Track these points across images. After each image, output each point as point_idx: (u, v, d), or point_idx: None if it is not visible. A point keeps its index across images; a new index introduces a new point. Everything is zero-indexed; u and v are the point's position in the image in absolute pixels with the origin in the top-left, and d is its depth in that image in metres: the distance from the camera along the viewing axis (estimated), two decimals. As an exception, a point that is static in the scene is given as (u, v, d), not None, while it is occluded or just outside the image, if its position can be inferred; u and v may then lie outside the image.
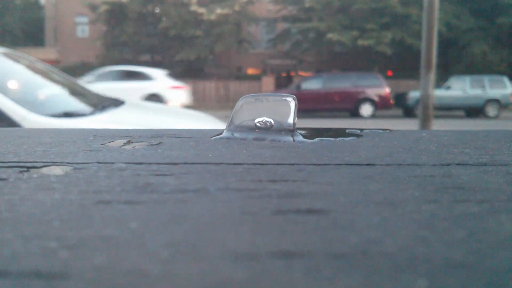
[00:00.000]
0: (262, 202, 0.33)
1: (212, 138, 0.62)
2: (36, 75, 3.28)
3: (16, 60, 3.22)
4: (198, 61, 22.63)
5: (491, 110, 15.38)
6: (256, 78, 22.77)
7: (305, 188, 0.37)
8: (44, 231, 0.27)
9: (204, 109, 15.72)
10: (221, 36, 21.79)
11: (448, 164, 0.46)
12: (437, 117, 9.41)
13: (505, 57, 21.03)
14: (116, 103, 3.23)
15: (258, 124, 0.60)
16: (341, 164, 0.46)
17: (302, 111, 15.43)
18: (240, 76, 23.97)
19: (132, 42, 22.28)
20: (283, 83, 22.24)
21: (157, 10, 22.66)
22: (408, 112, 15.41)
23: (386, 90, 15.34)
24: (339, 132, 0.68)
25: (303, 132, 0.66)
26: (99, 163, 0.46)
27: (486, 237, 0.27)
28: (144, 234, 0.27)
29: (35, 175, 0.41)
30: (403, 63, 22.25)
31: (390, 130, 0.72)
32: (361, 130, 0.70)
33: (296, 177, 0.40)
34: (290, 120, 0.59)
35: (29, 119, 2.41)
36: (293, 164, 0.46)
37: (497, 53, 21.01)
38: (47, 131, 0.70)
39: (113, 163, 0.46)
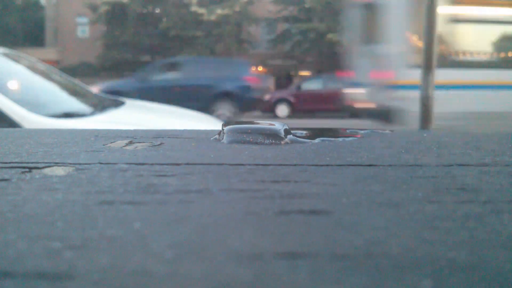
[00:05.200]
0: (265, 202, 0.33)
1: (212, 138, 0.62)
2: (36, 75, 3.28)
3: (16, 60, 3.21)
4: (198, 62, 22.59)
5: (491, 111, 15.36)
6: (256, 78, 22.74)
7: (307, 188, 0.37)
8: (48, 232, 0.27)
9: (204, 109, 15.66)
10: (221, 37, 21.79)
11: (450, 165, 0.46)
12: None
13: (505, 57, 21.01)
14: (116, 103, 3.23)
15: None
16: (343, 165, 0.46)
17: (302, 112, 15.45)
18: (240, 76, 23.91)
19: (132, 42, 22.27)
20: (283, 84, 22.24)
21: (158, 11, 22.65)
22: (408, 113, 15.38)
23: (386, 91, 15.30)
24: (340, 133, 0.68)
25: (304, 132, 0.66)
26: (101, 163, 0.46)
27: (489, 237, 0.27)
28: (148, 235, 0.27)
29: (37, 176, 0.41)
30: (403, 64, 22.21)
31: (391, 131, 0.72)
32: (362, 130, 0.70)
33: (298, 178, 0.40)
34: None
35: (29, 119, 2.41)
36: (295, 165, 0.46)
37: (497, 54, 21.00)
38: (48, 132, 0.70)
39: (115, 163, 0.46)
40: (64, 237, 0.26)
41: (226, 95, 10.15)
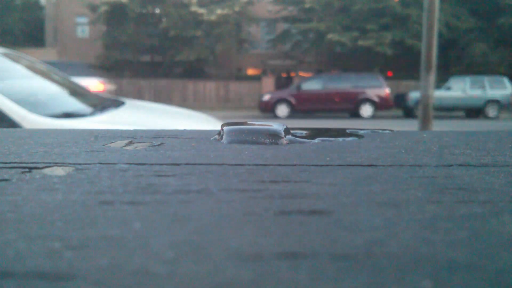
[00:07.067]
0: (265, 202, 0.33)
1: (211, 138, 0.62)
2: (36, 75, 3.28)
3: (16, 60, 3.22)
4: (198, 62, 22.64)
5: (491, 111, 15.39)
6: (256, 78, 22.80)
7: (307, 188, 0.37)
8: (48, 232, 0.27)
9: (204, 109, 15.75)
10: (221, 37, 21.80)
11: (450, 165, 0.46)
12: (437, 117, 9.42)
13: (505, 57, 21.05)
14: (116, 103, 3.23)
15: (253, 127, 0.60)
16: (343, 165, 0.46)
17: (302, 112, 15.47)
18: (240, 76, 24.00)
19: (132, 42, 22.28)
20: (283, 84, 22.27)
21: (157, 11, 22.67)
22: (408, 113, 15.43)
23: (386, 91, 15.35)
24: (340, 133, 0.68)
25: (304, 132, 0.66)
26: (101, 163, 0.46)
27: (489, 237, 0.27)
28: (148, 235, 0.27)
29: (37, 176, 0.41)
30: (403, 64, 22.26)
31: (391, 131, 0.72)
32: (362, 130, 0.71)
33: (298, 178, 0.40)
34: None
35: (29, 119, 2.41)
36: (295, 165, 0.46)
37: (497, 54, 21.04)
38: (48, 132, 0.70)
39: (115, 163, 0.46)
40: (64, 237, 0.26)
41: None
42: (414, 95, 14.77)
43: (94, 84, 11.58)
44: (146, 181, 0.39)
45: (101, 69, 20.54)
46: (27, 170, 0.43)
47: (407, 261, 0.24)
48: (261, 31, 25.84)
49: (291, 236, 0.27)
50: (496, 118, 15.24)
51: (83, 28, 25.77)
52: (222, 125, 0.62)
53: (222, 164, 0.46)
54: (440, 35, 14.60)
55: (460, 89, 15.52)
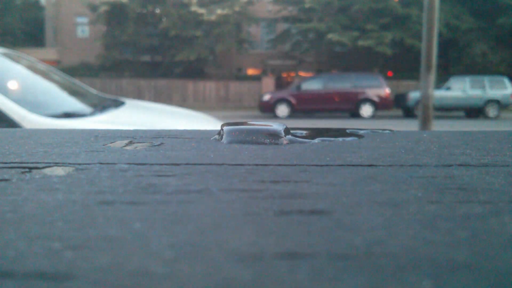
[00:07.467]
0: (265, 202, 0.33)
1: (211, 138, 0.62)
2: (36, 75, 3.28)
3: (16, 60, 3.22)
4: (198, 62, 22.65)
5: (491, 111, 15.40)
6: (256, 78, 22.80)
7: (307, 188, 0.37)
8: (48, 232, 0.27)
9: (204, 109, 15.74)
10: (221, 37, 21.81)
11: (450, 165, 0.46)
12: (437, 117, 9.42)
13: (505, 57, 21.05)
14: (116, 103, 3.23)
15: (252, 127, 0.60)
16: (343, 165, 0.46)
17: (302, 112, 15.48)
18: (240, 76, 24.01)
19: (132, 42, 22.28)
20: (283, 84, 22.28)
21: (157, 11, 22.68)
22: (408, 113, 15.44)
23: (386, 91, 15.36)
24: (340, 133, 0.68)
25: (304, 132, 0.66)
26: (101, 163, 0.46)
27: (489, 238, 0.27)
28: (148, 235, 0.27)
29: (37, 176, 0.41)
30: (403, 64, 22.26)
31: (391, 131, 0.72)
32: (362, 130, 0.71)
33: (298, 178, 0.40)
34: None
35: (29, 119, 2.41)
36: (295, 165, 0.46)
37: (497, 54, 21.04)
38: (48, 132, 0.70)
39: (115, 163, 0.46)
40: (64, 237, 0.26)
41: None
42: (414, 95, 14.78)
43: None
44: (146, 181, 0.39)
45: (101, 69, 20.56)
46: (27, 170, 0.43)
47: (407, 261, 0.24)
48: (261, 31, 25.84)
49: (291, 236, 0.27)
50: (496, 118, 15.25)
51: (83, 28, 25.77)
52: (222, 125, 0.62)
53: (222, 164, 0.46)
54: (440, 35, 14.61)
55: (460, 89, 15.52)
